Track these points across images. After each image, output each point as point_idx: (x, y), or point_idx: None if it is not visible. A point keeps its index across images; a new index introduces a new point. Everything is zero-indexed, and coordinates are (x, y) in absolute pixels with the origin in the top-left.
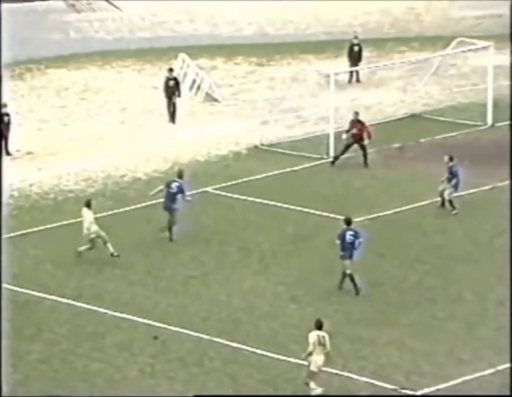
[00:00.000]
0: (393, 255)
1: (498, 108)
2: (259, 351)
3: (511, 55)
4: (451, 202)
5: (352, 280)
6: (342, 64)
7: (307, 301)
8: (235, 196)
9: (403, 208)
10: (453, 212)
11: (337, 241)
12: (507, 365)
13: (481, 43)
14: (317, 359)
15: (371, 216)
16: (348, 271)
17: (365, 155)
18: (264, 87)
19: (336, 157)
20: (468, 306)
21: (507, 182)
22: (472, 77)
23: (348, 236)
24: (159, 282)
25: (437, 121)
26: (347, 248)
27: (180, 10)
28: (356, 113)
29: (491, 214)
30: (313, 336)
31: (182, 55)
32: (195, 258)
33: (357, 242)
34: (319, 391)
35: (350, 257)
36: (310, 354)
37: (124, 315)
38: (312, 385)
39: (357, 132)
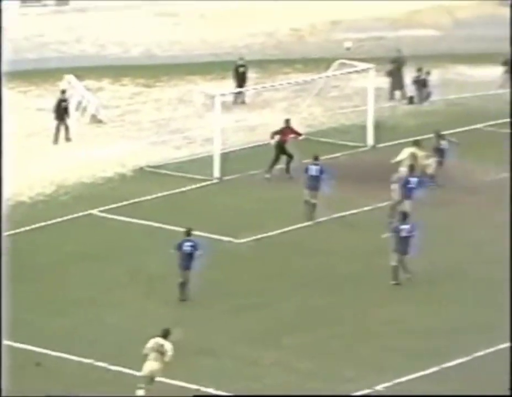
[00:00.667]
0: (281, 276)
1: (379, 129)
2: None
3: (511, 58)
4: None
5: (183, 288)
6: (228, 85)
7: (192, 322)
8: (122, 218)
9: (288, 229)
10: None
11: (172, 251)
12: (389, 384)
13: (362, 65)
14: (150, 365)
15: (256, 237)
16: (181, 280)
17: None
18: (150, 108)
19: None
20: (351, 325)
21: (386, 203)
22: (354, 99)
23: (186, 247)
24: (46, 306)
25: (320, 142)
26: (186, 260)
27: (66, 30)
28: (287, 121)
29: (372, 234)
30: (151, 342)
31: (68, 77)
32: (83, 281)
33: (196, 253)
34: (140, 392)
35: (188, 268)
36: (145, 358)
37: (7, 342)
38: (140, 392)
39: (284, 139)
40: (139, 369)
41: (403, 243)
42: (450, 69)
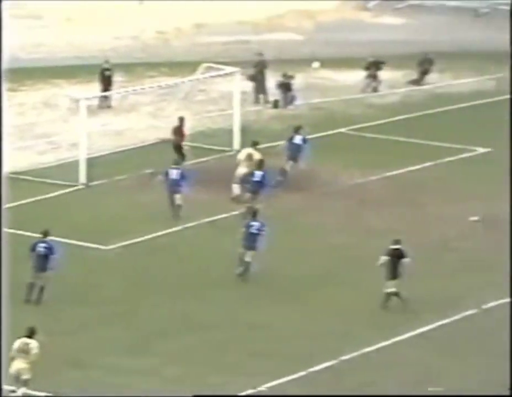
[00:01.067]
0: (150, 282)
1: (245, 133)
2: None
3: (511, 62)
4: None
5: (41, 291)
6: (94, 89)
7: (59, 331)
8: None
9: (158, 234)
10: None
11: (31, 253)
12: (254, 390)
13: (228, 69)
14: (16, 365)
15: (126, 242)
16: (31, 281)
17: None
18: (14, 113)
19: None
20: (221, 331)
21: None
22: (220, 103)
23: (39, 248)
24: None
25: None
26: (39, 261)
27: None
28: (181, 119)
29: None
30: (17, 343)
31: None
32: None
33: (52, 256)
34: (19, 393)
35: (42, 270)
36: (12, 359)
37: None
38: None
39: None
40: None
41: (250, 239)
42: (313, 73)
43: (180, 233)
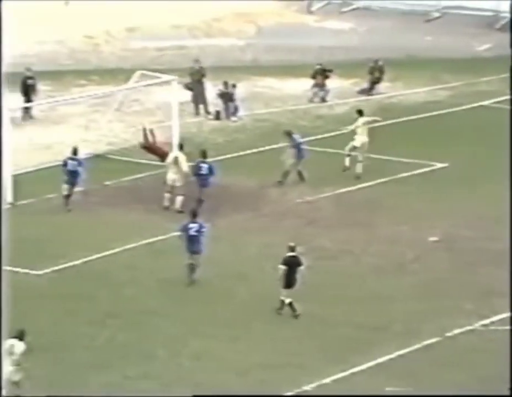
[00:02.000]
0: (82, 310)
1: (186, 146)
2: None
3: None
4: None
5: None
6: (17, 99)
7: None
8: None
9: (90, 258)
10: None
11: None
12: None
13: (164, 77)
14: (5, 369)
15: (56, 268)
16: None
17: None
18: None
19: None
20: (162, 362)
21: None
22: (156, 113)
23: None
24: None
25: (122, 161)
26: None
27: None
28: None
29: (183, 263)
30: (6, 343)
31: None
32: None
33: None
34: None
35: None
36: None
37: None
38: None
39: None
40: None
41: (191, 243)
42: (257, 82)
43: (118, 256)
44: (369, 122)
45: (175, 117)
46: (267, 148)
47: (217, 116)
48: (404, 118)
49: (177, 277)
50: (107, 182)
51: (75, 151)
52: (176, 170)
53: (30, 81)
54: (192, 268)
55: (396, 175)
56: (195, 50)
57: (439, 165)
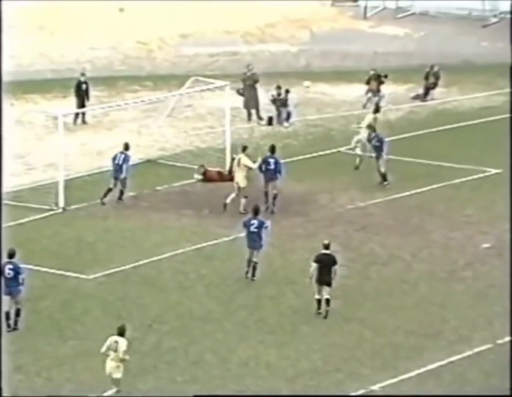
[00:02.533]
0: (130, 315)
1: (237, 153)
2: None
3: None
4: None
5: (17, 314)
6: (70, 104)
7: (34, 371)
8: None
9: (139, 263)
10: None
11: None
12: None
13: (217, 83)
14: (108, 365)
15: (106, 272)
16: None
17: None
18: None
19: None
20: (209, 368)
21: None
22: (208, 119)
23: (8, 270)
24: None
25: (174, 167)
26: (7, 285)
27: None
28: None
29: (232, 268)
30: (108, 340)
31: None
32: None
33: (20, 277)
34: (111, 392)
35: (14, 293)
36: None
37: None
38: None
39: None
40: None
41: (252, 239)
42: (310, 87)
43: (162, 263)
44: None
45: (227, 122)
46: (319, 153)
47: (270, 122)
48: (459, 124)
49: (225, 282)
50: (159, 187)
51: (126, 147)
52: (240, 172)
53: (83, 86)
54: (252, 265)
55: (450, 181)
56: (248, 56)
57: (493, 171)
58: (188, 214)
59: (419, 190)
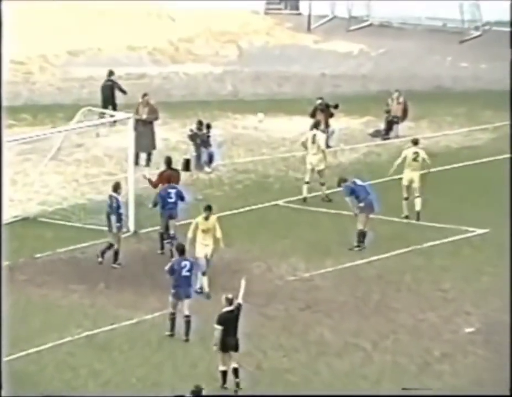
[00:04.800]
0: None
1: (144, 209)
2: None
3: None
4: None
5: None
6: None
7: None
8: None
9: (12, 357)
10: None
11: None
12: None
13: (117, 115)
14: None
15: None
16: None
17: None
18: None
19: None
20: None
21: (159, 313)
22: (106, 163)
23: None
24: None
25: (59, 226)
26: None
27: None
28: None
29: (135, 361)
30: None
31: None
32: None
33: None
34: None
35: None
36: None
37: None
38: None
39: None
40: None
41: (183, 285)
42: (238, 121)
43: (47, 353)
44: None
45: (130, 167)
46: (251, 207)
47: (186, 166)
48: (431, 170)
49: (127, 380)
50: (39, 254)
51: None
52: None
53: None
54: (185, 320)
55: (421, 244)
56: (158, 79)
57: (477, 231)
58: (78, 290)
59: (380, 256)
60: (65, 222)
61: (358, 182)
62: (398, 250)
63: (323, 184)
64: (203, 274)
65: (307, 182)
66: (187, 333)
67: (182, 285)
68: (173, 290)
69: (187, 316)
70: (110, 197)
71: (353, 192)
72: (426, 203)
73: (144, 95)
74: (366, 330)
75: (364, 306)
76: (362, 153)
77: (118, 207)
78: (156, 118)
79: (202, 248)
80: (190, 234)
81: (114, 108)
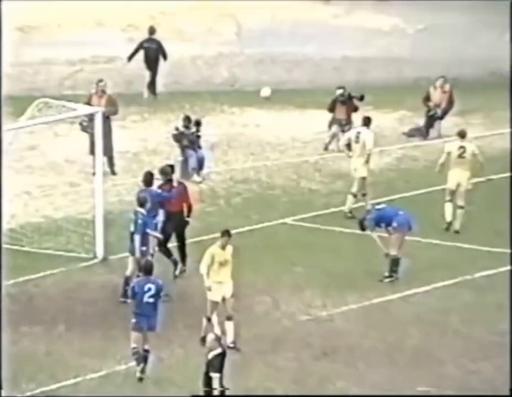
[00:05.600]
0: None
1: (113, 227)
2: None
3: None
4: None
5: None
6: None
7: None
8: None
9: None
10: None
11: None
12: None
13: (81, 109)
14: None
15: None
16: None
17: None
18: None
19: None
20: None
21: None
22: (66, 171)
23: None
24: None
25: (8, 252)
26: None
27: None
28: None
29: None
30: None
31: None
32: None
33: None
34: None
35: None
36: None
37: None
38: None
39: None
40: None
41: (145, 312)
42: (236, 116)
43: None
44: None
45: (98, 176)
46: (253, 226)
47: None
48: (487, 177)
49: None
50: None
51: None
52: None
53: None
54: (142, 355)
55: (472, 274)
56: (133, 64)
57: None
58: (31, 333)
59: (419, 289)
60: (14, 246)
61: (379, 206)
62: (442, 281)
63: (364, 195)
64: (229, 318)
65: (354, 195)
66: (143, 370)
67: (143, 314)
68: (133, 319)
69: (146, 351)
70: (136, 212)
71: (380, 219)
72: (477, 219)
73: (99, 81)
74: (400, 384)
75: (398, 354)
76: (395, 157)
77: (145, 225)
78: (115, 112)
79: (218, 288)
80: (204, 269)
81: (154, 87)
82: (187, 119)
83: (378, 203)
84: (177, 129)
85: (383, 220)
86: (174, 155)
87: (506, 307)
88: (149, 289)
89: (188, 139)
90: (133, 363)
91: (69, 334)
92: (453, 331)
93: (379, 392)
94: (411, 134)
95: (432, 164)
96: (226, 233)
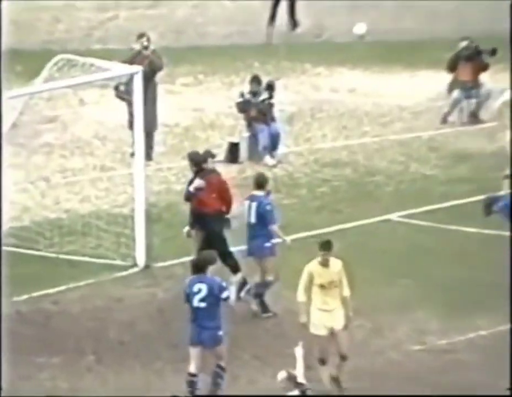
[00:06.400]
0: None
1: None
2: None
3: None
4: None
5: None
6: None
7: None
8: None
9: None
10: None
11: None
12: None
13: (115, 67)
14: None
15: None
16: None
17: None
18: None
19: None
20: None
21: None
22: (96, 149)
23: None
24: None
25: (19, 257)
26: None
27: None
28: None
29: None
30: None
31: None
32: None
33: None
34: None
35: None
36: None
37: None
38: None
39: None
40: None
41: (198, 321)
42: (311, 77)
43: None
44: None
45: (139, 156)
46: (345, 225)
47: (233, 154)
48: None
49: None
50: None
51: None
52: None
53: None
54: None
55: None
56: (182, 7)
57: None
58: (51, 365)
59: None
60: (27, 249)
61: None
62: None
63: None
64: (343, 358)
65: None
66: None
67: (196, 323)
68: (190, 331)
69: (219, 367)
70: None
71: None
72: None
73: (141, 35)
74: None
75: None
76: None
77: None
78: (160, 68)
79: (324, 317)
80: (301, 296)
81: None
82: (256, 82)
83: None
84: (242, 95)
85: None
86: (238, 130)
87: None
88: (199, 291)
89: (257, 108)
90: None
91: (99, 367)
92: None
93: None
94: None
95: None
96: (326, 245)
